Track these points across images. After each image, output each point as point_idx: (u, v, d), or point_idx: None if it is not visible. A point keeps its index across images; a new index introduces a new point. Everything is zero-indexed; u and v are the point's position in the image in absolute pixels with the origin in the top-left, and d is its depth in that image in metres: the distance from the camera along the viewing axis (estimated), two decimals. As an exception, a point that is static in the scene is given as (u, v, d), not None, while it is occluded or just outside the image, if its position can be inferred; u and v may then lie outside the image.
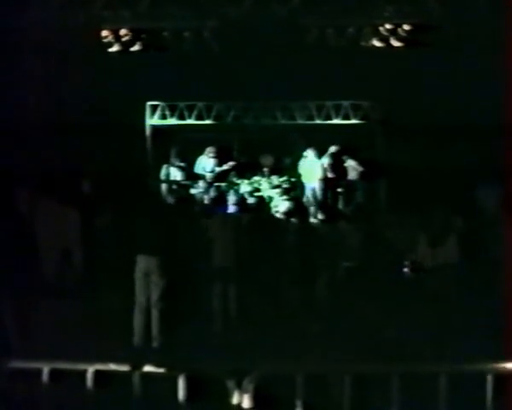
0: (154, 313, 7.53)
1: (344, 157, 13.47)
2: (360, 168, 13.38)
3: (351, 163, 13.47)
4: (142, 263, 7.56)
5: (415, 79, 12.53)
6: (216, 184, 13.42)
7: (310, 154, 13.30)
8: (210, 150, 13.50)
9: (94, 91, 12.48)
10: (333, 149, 13.41)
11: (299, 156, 13.57)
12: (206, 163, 13.56)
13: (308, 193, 13.07)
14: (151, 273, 7.50)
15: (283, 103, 13.55)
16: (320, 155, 13.38)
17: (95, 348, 6.92)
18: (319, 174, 13.14)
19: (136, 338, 7.49)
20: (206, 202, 12.86)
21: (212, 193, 13.19)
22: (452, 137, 12.19)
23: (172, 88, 12.98)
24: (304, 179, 13.32)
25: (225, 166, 13.57)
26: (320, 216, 10.38)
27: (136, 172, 12.36)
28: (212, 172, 13.49)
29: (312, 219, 10.44)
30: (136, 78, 12.76)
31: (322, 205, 11.76)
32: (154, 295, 7.51)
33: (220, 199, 12.74)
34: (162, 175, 13.53)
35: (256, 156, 13.83)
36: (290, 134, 13.70)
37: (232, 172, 13.71)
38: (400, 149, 12.75)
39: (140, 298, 7.58)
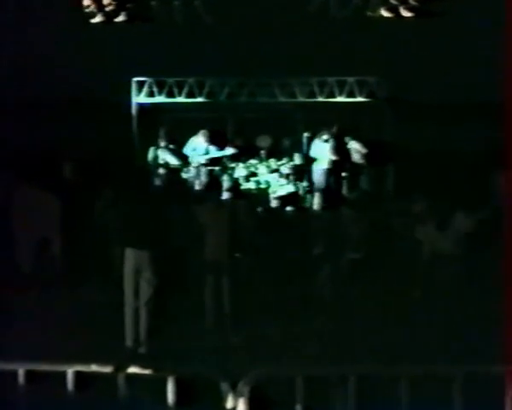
0: (141, 310, 7.52)
1: (347, 138, 13.45)
2: (364, 150, 13.36)
3: (354, 145, 13.44)
4: (129, 255, 7.55)
5: (426, 52, 12.52)
6: (208, 167, 13.42)
7: (320, 135, 13.33)
8: (205, 133, 13.45)
9: (74, 66, 12.44)
10: (335, 129, 13.44)
11: (300, 137, 13.64)
12: (198, 145, 13.50)
13: (314, 178, 13.10)
14: (138, 266, 7.47)
15: (282, 79, 13.54)
16: (321, 135, 13.39)
17: (75, 348, 6.92)
18: (325, 157, 13.16)
19: (121, 337, 7.48)
20: (197, 187, 12.89)
21: (204, 178, 13.20)
22: (467, 117, 12.23)
23: (161, 63, 12.96)
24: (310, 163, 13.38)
25: (223, 153, 13.53)
26: (322, 203, 10.30)
27: (120, 154, 12.40)
28: (206, 154, 13.45)
29: (314, 207, 10.32)
30: (121, 51, 12.72)
31: (325, 191, 11.69)
32: (141, 291, 7.50)
33: (213, 184, 12.73)
34: (149, 158, 13.48)
35: (252, 137, 13.85)
36: (289, 114, 13.72)
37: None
38: (409, 129, 12.75)
39: (126, 294, 7.56)
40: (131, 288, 7.50)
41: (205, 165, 13.29)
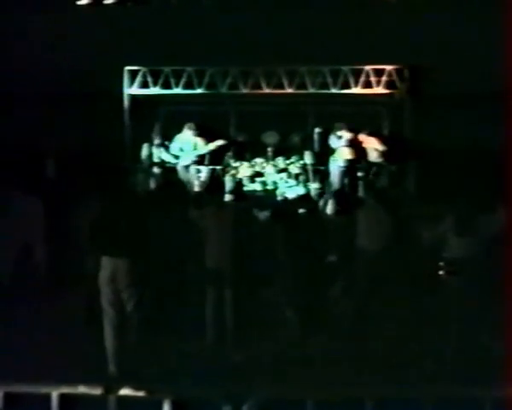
0: (133, 325, 7.41)
1: (364, 134, 13.46)
2: (382, 148, 13.36)
3: (371, 142, 13.43)
4: (114, 264, 7.43)
5: (452, 37, 12.49)
6: (209, 167, 13.42)
7: (334, 131, 13.35)
8: (190, 126, 13.45)
9: (59, 53, 12.56)
10: (348, 124, 13.49)
11: (311, 133, 13.69)
12: (185, 142, 13.51)
13: (332, 178, 13.14)
14: (127, 277, 7.37)
15: (291, 68, 13.51)
16: (334, 131, 13.45)
17: (61, 367, 6.85)
18: (339, 155, 13.19)
19: (111, 356, 7.31)
20: (196, 188, 12.88)
21: (204, 178, 13.24)
22: (495, 111, 11.92)
23: (155, 49, 12.98)
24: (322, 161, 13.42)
25: (211, 146, 13.50)
26: (336, 206, 10.26)
27: (110, 152, 12.54)
28: (194, 150, 13.45)
29: (327, 211, 10.23)
30: (111, 37, 12.77)
31: (339, 193, 11.68)
32: (132, 304, 7.40)
33: (214, 185, 12.71)
34: (143, 157, 13.51)
35: (258, 133, 13.89)
36: (299, 107, 13.70)
37: (228, 153, 13.73)
38: (433, 124, 12.87)
39: (114, 307, 7.42)
40: (110, 299, 7.40)
41: (196, 162, 13.34)
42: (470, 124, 12.52)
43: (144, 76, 13.68)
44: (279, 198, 12.31)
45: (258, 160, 13.60)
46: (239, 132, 14.06)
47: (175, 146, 13.49)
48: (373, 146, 13.37)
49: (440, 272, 8.31)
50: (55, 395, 5.56)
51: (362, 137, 13.44)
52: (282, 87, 13.58)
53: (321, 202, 10.45)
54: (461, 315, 8.00)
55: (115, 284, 7.32)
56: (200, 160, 13.44)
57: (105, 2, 12.71)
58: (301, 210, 10.08)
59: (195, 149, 13.45)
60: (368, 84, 13.56)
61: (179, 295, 8.09)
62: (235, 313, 8.22)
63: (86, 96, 12.58)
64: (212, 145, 13.49)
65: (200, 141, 13.47)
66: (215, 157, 13.55)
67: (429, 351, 7.66)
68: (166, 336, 7.72)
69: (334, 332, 8.25)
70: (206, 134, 13.58)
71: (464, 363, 7.33)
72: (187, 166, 13.30)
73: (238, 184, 12.92)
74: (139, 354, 7.30)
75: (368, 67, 13.55)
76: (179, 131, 13.56)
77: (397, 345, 7.84)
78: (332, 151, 13.34)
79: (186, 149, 13.44)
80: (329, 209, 10.09)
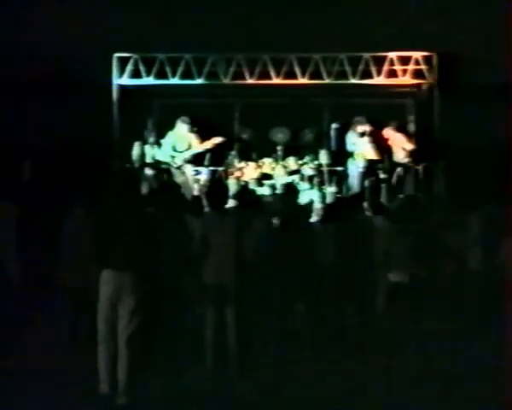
0: (124, 353, 7.33)
1: (390, 129, 13.39)
2: (409, 146, 13.26)
3: (399, 139, 13.33)
4: (106, 279, 7.40)
5: (487, 19, 12.40)
6: (210, 168, 13.36)
7: (354, 126, 13.30)
8: (184, 120, 13.38)
9: (39, 39, 12.52)
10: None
11: (327, 129, 13.66)
12: (178, 140, 13.44)
13: (351, 180, 13.15)
14: (118, 294, 7.34)
15: (303, 55, 13.47)
16: (354, 127, 13.43)
17: (45, 400, 6.96)
18: (360, 155, 13.15)
19: (102, 387, 7.28)
20: (195, 193, 12.72)
21: (204, 181, 13.15)
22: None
23: (149, 34, 12.97)
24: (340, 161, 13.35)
25: (208, 145, 13.41)
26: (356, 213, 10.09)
27: (97, 150, 12.49)
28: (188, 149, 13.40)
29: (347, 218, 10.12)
30: (99, 20, 12.76)
31: (359, 197, 11.66)
32: (121, 324, 7.34)
33: (216, 189, 12.54)
34: (134, 156, 13.42)
35: (266, 129, 13.87)
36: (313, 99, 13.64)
37: (231, 153, 13.68)
38: (465, 119, 12.78)
39: (100, 328, 7.38)
40: (108, 320, 7.36)
41: (194, 162, 13.30)
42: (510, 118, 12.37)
43: (136, 64, 13.68)
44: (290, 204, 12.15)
45: (267, 160, 13.61)
46: (244, 128, 14.08)
47: (166, 144, 13.43)
48: (400, 144, 13.31)
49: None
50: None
51: (388, 132, 13.40)
52: (293, 76, 13.58)
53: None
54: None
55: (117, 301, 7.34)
56: (198, 160, 13.40)
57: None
58: (315, 218, 10.16)
59: (190, 147, 13.40)
60: (392, 74, 13.55)
61: (175, 315, 8.05)
62: (239, 335, 8.15)
63: (70, 86, 12.63)
64: (209, 143, 13.40)
65: (194, 138, 13.40)
66: (216, 157, 13.50)
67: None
68: (160, 361, 7.75)
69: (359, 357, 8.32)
70: (206, 131, 13.54)
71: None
72: (180, 168, 13.23)
73: (243, 187, 12.65)
74: (134, 385, 7.31)
75: (392, 54, 13.52)
76: (175, 127, 13.55)
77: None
78: (351, 150, 13.28)
79: (179, 147, 13.39)
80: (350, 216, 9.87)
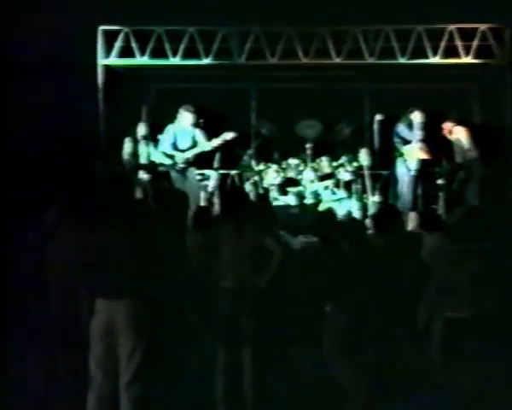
0: (123, 398, 7.29)
1: (451, 123, 12.93)
2: (471, 147, 12.83)
3: (462, 134, 12.84)
4: (100, 308, 7.39)
5: None
6: (220, 171, 13.30)
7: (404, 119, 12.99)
8: (188, 108, 12.96)
9: (8, 10, 12.34)
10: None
11: (369, 122, 13.41)
12: (180, 135, 13.04)
13: (400, 187, 12.91)
14: (113, 326, 7.31)
15: (339, 29, 13.29)
16: (404, 119, 12.97)
17: None
18: (412, 154, 12.85)
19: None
20: (201, 203, 12.62)
21: (213, 187, 13.07)
22: None
23: (143, 2, 12.78)
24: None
25: (216, 142, 12.94)
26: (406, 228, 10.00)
27: (79, 147, 12.28)
28: (193, 147, 13.01)
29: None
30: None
31: (410, 208, 11.64)
32: (121, 365, 7.30)
33: (230, 197, 12.66)
34: (125, 155, 13.02)
35: (291, 123, 13.56)
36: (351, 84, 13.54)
37: (248, 152, 13.65)
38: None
39: (92, 368, 7.37)
40: (102, 359, 7.35)
41: (196, 164, 12.95)
42: None
43: (127, 40, 13.51)
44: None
45: (292, 161, 13.31)
46: (263, 121, 13.86)
47: (165, 140, 13.01)
48: (463, 141, 12.87)
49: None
50: None
51: (448, 126, 12.95)
52: (326, 56, 13.34)
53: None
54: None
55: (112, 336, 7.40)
56: (204, 161, 13.11)
57: None
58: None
59: (194, 145, 12.97)
60: (452, 52, 13.22)
61: (180, 353, 7.91)
62: (255, 378, 8.23)
63: (47, 67, 12.48)
64: (218, 140, 12.92)
65: (200, 133, 12.98)
66: (228, 157, 13.22)
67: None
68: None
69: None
70: (215, 124, 13.22)
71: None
72: (183, 171, 12.84)
73: (263, 195, 12.70)
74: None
75: (452, 27, 13.27)
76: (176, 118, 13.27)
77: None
78: (399, 149, 12.89)
79: (181, 145, 12.95)
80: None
